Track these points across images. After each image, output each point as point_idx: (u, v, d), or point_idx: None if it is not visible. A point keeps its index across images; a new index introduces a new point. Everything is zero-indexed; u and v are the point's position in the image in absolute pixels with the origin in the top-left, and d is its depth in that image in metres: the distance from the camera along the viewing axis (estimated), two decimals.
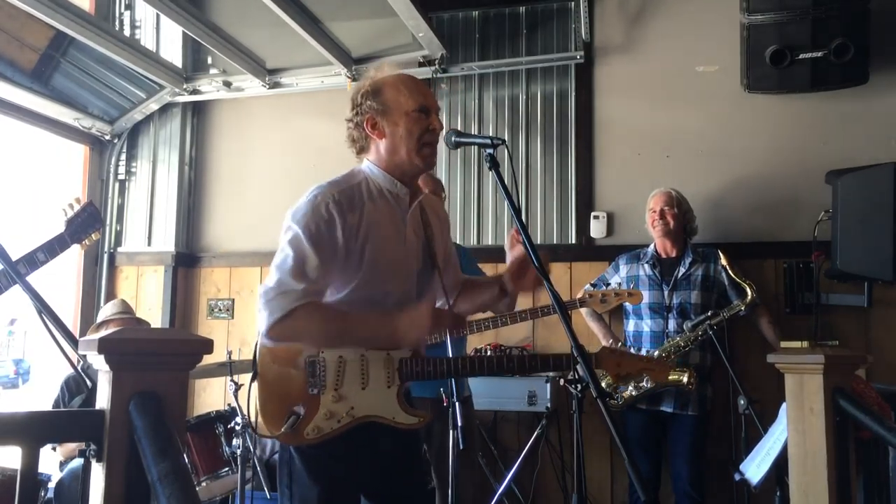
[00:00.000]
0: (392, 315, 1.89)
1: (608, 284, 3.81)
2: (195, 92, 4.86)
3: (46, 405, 3.68)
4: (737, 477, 2.69)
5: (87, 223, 2.80)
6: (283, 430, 1.88)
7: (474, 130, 4.54)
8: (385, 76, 2.04)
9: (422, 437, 2.00)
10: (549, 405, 3.81)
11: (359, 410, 1.93)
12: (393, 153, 1.99)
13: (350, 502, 2.00)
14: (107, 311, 3.82)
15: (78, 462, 3.07)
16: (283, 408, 1.91)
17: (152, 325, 4.40)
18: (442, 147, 2.08)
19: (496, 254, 3.50)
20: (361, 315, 1.92)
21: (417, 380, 2.02)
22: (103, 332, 1.38)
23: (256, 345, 1.97)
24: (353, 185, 1.99)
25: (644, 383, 3.50)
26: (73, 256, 4.99)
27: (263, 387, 1.94)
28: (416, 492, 2.10)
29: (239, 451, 3.37)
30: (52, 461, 3.57)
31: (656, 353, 3.51)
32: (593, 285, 3.84)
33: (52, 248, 2.68)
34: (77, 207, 2.80)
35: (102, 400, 1.36)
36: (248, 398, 1.96)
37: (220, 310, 4.86)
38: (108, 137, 5.00)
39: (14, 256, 2.44)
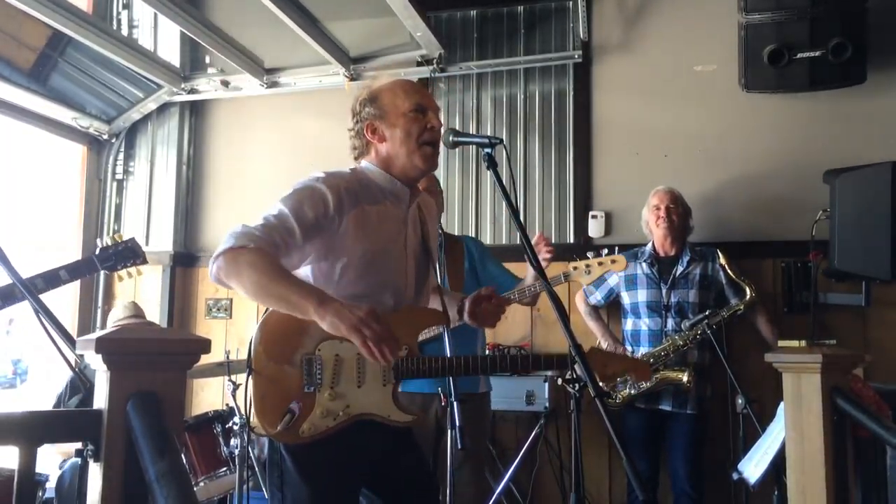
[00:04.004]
0: (328, 296, 1.80)
1: (603, 282, 3.81)
2: (193, 91, 4.86)
3: (44, 405, 3.68)
4: (735, 476, 2.69)
5: (124, 255, 2.81)
6: (279, 428, 1.86)
7: (472, 130, 4.54)
8: (382, 83, 2.07)
9: (435, 437, 1.99)
10: (547, 405, 3.82)
11: (354, 408, 1.93)
12: (394, 156, 2.01)
13: (344, 501, 1.97)
14: (118, 314, 3.81)
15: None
16: (278, 405, 1.89)
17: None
18: (440, 147, 2.08)
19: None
20: (300, 281, 1.90)
21: (412, 378, 2.03)
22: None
23: (251, 341, 1.98)
24: (356, 180, 2.00)
25: (643, 384, 3.51)
26: (71, 256, 4.99)
27: (259, 384, 1.93)
28: (415, 488, 2.09)
29: (237, 451, 3.37)
30: (51, 461, 3.56)
31: (650, 351, 3.52)
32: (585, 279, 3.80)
33: (78, 269, 2.66)
34: (117, 240, 2.83)
35: (100, 400, 1.36)
36: (245, 395, 1.94)
37: (218, 309, 4.85)
38: (105, 137, 4.99)
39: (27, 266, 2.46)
